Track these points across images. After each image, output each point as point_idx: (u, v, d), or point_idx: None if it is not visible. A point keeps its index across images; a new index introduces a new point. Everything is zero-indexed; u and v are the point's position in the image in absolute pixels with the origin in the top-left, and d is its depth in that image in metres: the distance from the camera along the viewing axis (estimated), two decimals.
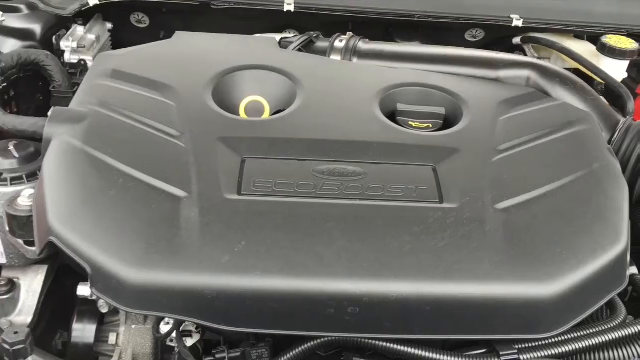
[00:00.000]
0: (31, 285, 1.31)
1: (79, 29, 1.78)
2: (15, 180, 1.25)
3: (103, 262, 1.01)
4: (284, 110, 1.37)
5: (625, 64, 1.73)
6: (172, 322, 1.16)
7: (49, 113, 1.25)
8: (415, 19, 1.82)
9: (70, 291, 1.17)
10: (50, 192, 1.11)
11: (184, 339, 1.19)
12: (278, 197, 1.11)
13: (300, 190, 1.13)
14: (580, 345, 1.06)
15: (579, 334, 1.08)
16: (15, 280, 1.29)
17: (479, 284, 1.02)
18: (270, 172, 1.16)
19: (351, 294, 0.99)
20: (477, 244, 1.06)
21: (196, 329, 1.22)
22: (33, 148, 1.35)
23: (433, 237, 1.06)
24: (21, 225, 1.18)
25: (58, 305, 1.34)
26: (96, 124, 1.23)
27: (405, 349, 1.04)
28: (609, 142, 1.39)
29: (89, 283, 1.04)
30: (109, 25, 1.93)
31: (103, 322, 1.27)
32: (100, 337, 1.24)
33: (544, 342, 1.06)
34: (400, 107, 1.39)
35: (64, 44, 1.70)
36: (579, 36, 1.95)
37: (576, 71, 1.67)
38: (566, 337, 1.07)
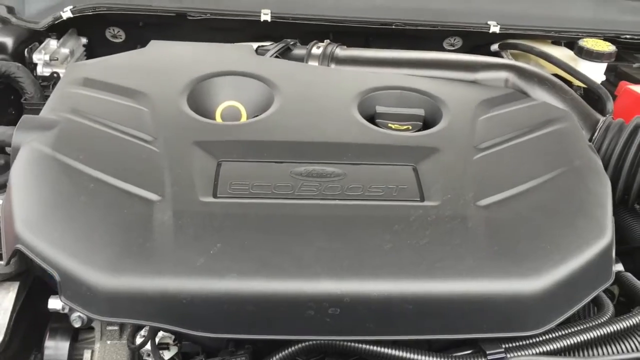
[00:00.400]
0: (2, 303, 1.26)
1: (52, 43, 1.77)
2: None
3: (72, 268, 0.97)
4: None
5: (602, 66, 1.74)
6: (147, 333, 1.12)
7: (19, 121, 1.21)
8: (393, 27, 1.82)
9: (44, 309, 1.13)
10: (17, 199, 1.07)
11: (161, 352, 1.15)
12: (255, 199, 1.08)
13: (277, 192, 1.10)
14: (568, 343, 1.03)
15: (566, 332, 1.05)
16: None
17: (462, 281, 0.99)
18: (247, 175, 1.14)
19: (331, 294, 0.96)
20: (459, 241, 1.03)
21: (173, 341, 1.18)
22: (2, 160, 1.31)
23: (414, 235, 1.03)
24: None
25: (32, 323, 1.29)
26: (66, 130, 1.20)
27: (390, 351, 1.00)
28: (590, 140, 1.38)
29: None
30: (84, 40, 1.91)
31: (77, 339, 1.23)
32: (74, 354, 1.20)
33: (531, 341, 1.03)
34: (380, 109, 1.37)
35: (36, 57, 1.68)
36: (556, 42, 1.97)
37: (555, 76, 1.67)
38: (553, 334, 1.04)
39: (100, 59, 1.51)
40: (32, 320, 1.29)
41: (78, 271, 0.97)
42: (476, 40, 1.93)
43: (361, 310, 0.97)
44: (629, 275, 1.20)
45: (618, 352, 1.03)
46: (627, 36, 1.91)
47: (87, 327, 1.17)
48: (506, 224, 1.07)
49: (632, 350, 1.04)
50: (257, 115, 1.36)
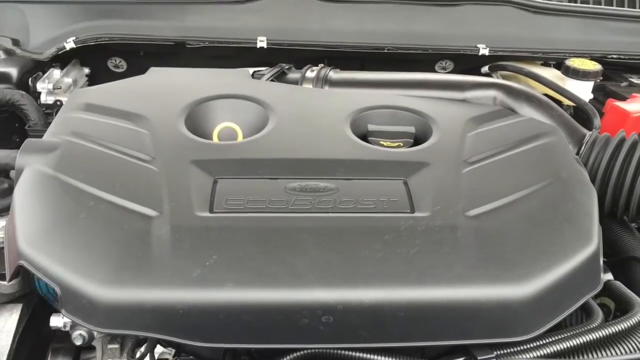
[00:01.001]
0: (5, 325, 1.28)
1: (55, 72, 1.82)
2: None
3: (72, 281, 1.00)
4: None
5: (589, 84, 1.78)
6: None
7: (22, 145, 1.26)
8: (385, 51, 1.87)
9: (47, 331, 1.15)
10: (20, 217, 1.11)
11: None
12: (250, 213, 1.12)
13: (272, 206, 1.14)
14: (558, 348, 1.05)
15: (556, 337, 1.07)
16: None
17: (452, 288, 1.01)
18: (242, 191, 1.17)
19: (324, 302, 0.99)
20: (448, 249, 1.06)
21: (173, 357, 1.20)
22: (7, 184, 1.35)
23: (404, 244, 1.06)
24: None
25: (35, 345, 1.31)
26: (68, 152, 1.24)
27: (383, 359, 1.02)
28: (577, 154, 1.42)
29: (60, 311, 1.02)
30: (86, 70, 1.97)
31: (79, 359, 1.24)
32: None
33: (522, 347, 1.05)
34: (371, 127, 1.41)
35: (40, 86, 1.73)
36: (546, 64, 2.02)
37: (545, 96, 1.71)
38: (544, 340, 1.06)
39: (102, 85, 1.56)
40: (35, 342, 1.31)
41: (78, 284, 1.00)
42: (467, 63, 1.98)
43: (354, 318, 0.99)
44: (618, 283, 1.23)
45: (608, 356, 1.05)
46: (614, 56, 1.95)
47: (89, 345, 1.19)
48: (494, 233, 1.10)
49: (621, 354, 1.05)
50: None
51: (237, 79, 1.59)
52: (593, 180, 1.34)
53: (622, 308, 1.21)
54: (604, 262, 1.18)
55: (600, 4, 2.08)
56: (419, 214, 1.13)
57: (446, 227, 1.10)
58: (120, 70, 2.00)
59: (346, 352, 1.03)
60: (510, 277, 1.03)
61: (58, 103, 1.72)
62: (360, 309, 0.99)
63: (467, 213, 1.13)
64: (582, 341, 1.06)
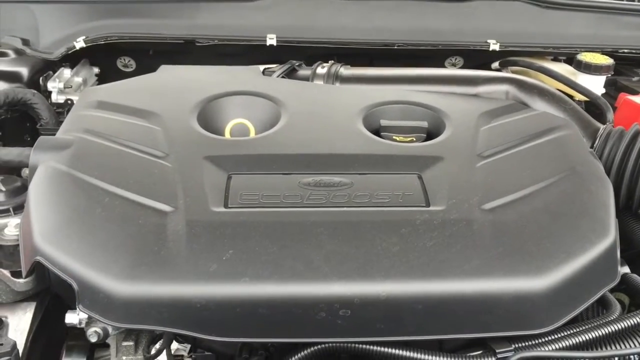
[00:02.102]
0: (19, 324, 1.28)
1: (65, 72, 1.82)
2: (2, 213, 1.26)
3: (89, 276, 1.00)
4: None
5: (601, 79, 1.77)
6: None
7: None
8: (395, 47, 1.87)
9: (61, 329, 1.15)
10: (35, 213, 1.11)
11: None
12: (265, 208, 1.11)
13: (286, 201, 1.13)
14: (576, 341, 1.04)
15: (574, 330, 1.06)
16: (3, 319, 1.27)
17: (469, 281, 1.01)
18: (256, 186, 1.17)
19: (341, 296, 0.98)
20: (465, 242, 1.05)
21: (188, 353, 1.20)
22: (20, 182, 1.35)
23: (421, 237, 1.05)
24: (7, 254, 1.17)
25: (49, 344, 1.31)
26: (81, 149, 1.24)
27: (402, 352, 1.02)
28: (591, 147, 1.41)
29: (76, 309, 1.02)
30: (96, 70, 1.97)
31: (93, 357, 1.24)
32: None
33: (540, 340, 1.04)
34: (384, 122, 1.41)
35: (51, 85, 1.73)
36: (556, 59, 2.01)
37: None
38: (561, 333, 1.05)
39: (113, 83, 1.56)
40: (48, 340, 1.31)
41: (95, 279, 1.00)
42: (477, 59, 1.97)
43: (371, 312, 0.99)
44: (635, 276, 1.22)
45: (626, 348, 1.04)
46: (625, 50, 1.94)
47: (103, 342, 1.19)
48: (511, 226, 1.10)
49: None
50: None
51: (248, 76, 1.59)
52: (608, 174, 1.34)
53: (637, 302, 1.20)
54: (620, 255, 1.18)
55: None
56: (434, 208, 1.12)
57: (462, 221, 1.09)
58: (130, 69, 2.00)
59: (364, 346, 1.02)
60: (528, 270, 1.02)
61: (69, 102, 1.72)
62: (377, 302, 0.98)
63: (483, 206, 1.13)
64: (600, 334, 1.05)
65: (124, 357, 1.20)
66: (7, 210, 1.26)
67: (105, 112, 1.39)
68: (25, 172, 1.45)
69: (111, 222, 1.08)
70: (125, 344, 1.21)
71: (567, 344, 1.04)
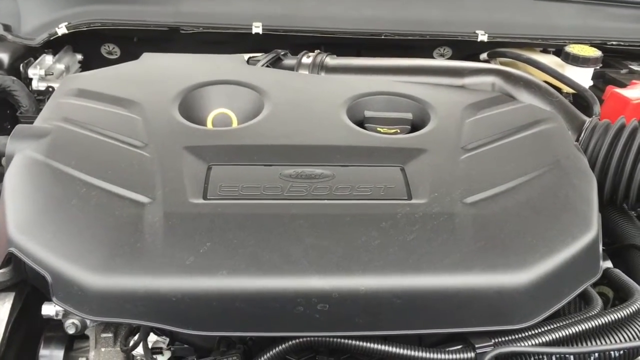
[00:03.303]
0: None
1: (47, 58, 1.80)
2: None
3: (63, 268, 0.98)
4: None
5: (589, 71, 1.76)
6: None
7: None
8: (383, 37, 1.85)
9: (40, 320, 1.14)
10: (10, 204, 1.09)
11: (154, 356, 1.15)
12: (244, 200, 1.10)
13: (267, 193, 1.12)
14: (557, 336, 1.04)
15: (554, 325, 1.05)
16: None
17: (449, 275, 1.00)
18: (236, 178, 1.15)
19: (320, 290, 0.97)
20: (446, 236, 1.04)
21: (167, 346, 1.18)
22: None
23: (401, 231, 1.04)
24: None
25: (28, 335, 1.30)
26: (59, 138, 1.22)
27: (381, 347, 1.01)
28: (576, 141, 1.40)
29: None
30: (79, 57, 1.94)
31: (72, 348, 1.23)
32: None
33: (519, 335, 1.04)
34: (368, 114, 1.39)
35: (31, 72, 1.71)
36: (545, 51, 2.00)
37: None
38: (542, 328, 1.05)
39: (94, 71, 1.53)
40: (28, 331, 1.29)
41: (69, 271, 0.98)
42: (465, 50, 1.96)
43: (350, 306, 0.98)
44: (618, 271, 1.21)
45: (607, 344, 1.04)
46: (613, 42, 1.93)
47: (82, 334, 1.18)
48: (492, 220, 1.09)
49: (620, 342, 1.04)
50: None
51: (232, 64, 1.57)
52: (593, 167, 1.33)
53: (621, 296, 1.20)
54: (603, 250, 1.17)
55: None
56: (416, 201, 1.11)
57: (444, 214, 1.08)
58: (114, 56, 1.97)
59: (342, 341, 1.01)
60: (508, 265, 1.01)
61: (50, 89, 1.70)
62: (356, 296, 0.97)
63: (465, 200, 1.12)
64: (581, 329, 1.05)
65: (102, 349, 1.19)
66: None
67: (85, 100, 1.36)
68: (3, 160, 1.43)
69: (87, 213, 1.06)
70: (104, 335, 1.20)
71: (548, 339, 1.03)
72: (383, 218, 1.07)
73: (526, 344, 1.02)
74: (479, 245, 1.03)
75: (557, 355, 1.04)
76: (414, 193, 1.13)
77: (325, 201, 1.11)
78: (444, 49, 2.00)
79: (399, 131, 1.38)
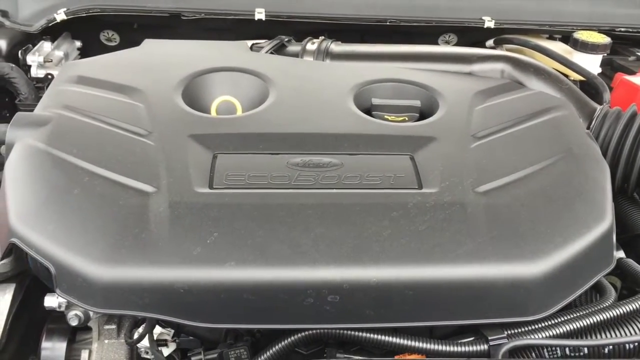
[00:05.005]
0: None
1: (46, 45, 1.76)
2: None
3: (67, 259, 0.96)
4: None
5: (598, 58, 1.73)
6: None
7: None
8: (388, 23, 1.82)
9: (42, 311, 1.11)
10: (11, 194, 1.07)
11: (159, 348, 1.13)
12: (251, 189, 1.07)
13: (274, 182, 1.09)
14: (571, 328, 1.02)
15: (568, 317, 1.04)
16: None
17: (462, 266, 0.98)
18: (242, 166, 1.13)
19: (330, 281, 0.95)
20: (458, 226, 1.02)
21: (172, 338, 1.16)
22: None
23: (413, 221, 1.02)
24: None
25: (29, 326, 1.28)
26: (60, 126, 1.19)
27: (391, 339, 0.99)
28: (587, 128, 1.38)
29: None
30: (78, 43, 1.91)
31: (74, 340, 1.21)
32: (72, 355, 1.18)
33: (533, 327, 1.02)
34: (375, 101, 1.37)
35: (30, 59, 1.67)
36: (552, 38, 1.97)
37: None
38: (556, 320, 1.03)
39: (94, 57, 1.51)
40: (29, 322, 1.27)
41: (73, 263, 0.96)
42: (471, 37, 1.93)
43: (361, 298, 0.96)
44: (630, 261, 1.19)
45: (621, 336, 1.02)
46: (622, 29, 1.90)
47: (85, 326, 1.16)
48: (505, 209, 1.06)
49: (636, 334, 1.02)
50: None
51: (235, 51, 1.54)
52: (604, 155, 1.31)
53: (631, 287, 1.18)
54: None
55: None
56: (427, 190, 1.09)
57: (455, 204, 1.06)
58: (113, 43, 1.94)
59: (353, 333, 0.99)
60: (522, 255, 0.99)
61: (49, 77, 1.67)
62: (367, 287, 0.95)
63: (477, 189, 1.09)
64: (595, 320, 1.03)
65: (106, 341, 1.17)
66: None
67: (85, 87, 1.33)
68: (3, 149, 1.40)
69: (90, 203, 1.03)
70: (107, 327, 1.18)
71: (562, 330, 1.01)
72: (394, 207, 1.04)
73: (539, 335, 1.00)
74: (493, 235, 1.01)
75: (571, 348, 1.02)
76: (424, 182, 1.11)
77: (334, 190, 1.08)
78: (450, 36, 1.97)
79: (407, 119, 1.35)
